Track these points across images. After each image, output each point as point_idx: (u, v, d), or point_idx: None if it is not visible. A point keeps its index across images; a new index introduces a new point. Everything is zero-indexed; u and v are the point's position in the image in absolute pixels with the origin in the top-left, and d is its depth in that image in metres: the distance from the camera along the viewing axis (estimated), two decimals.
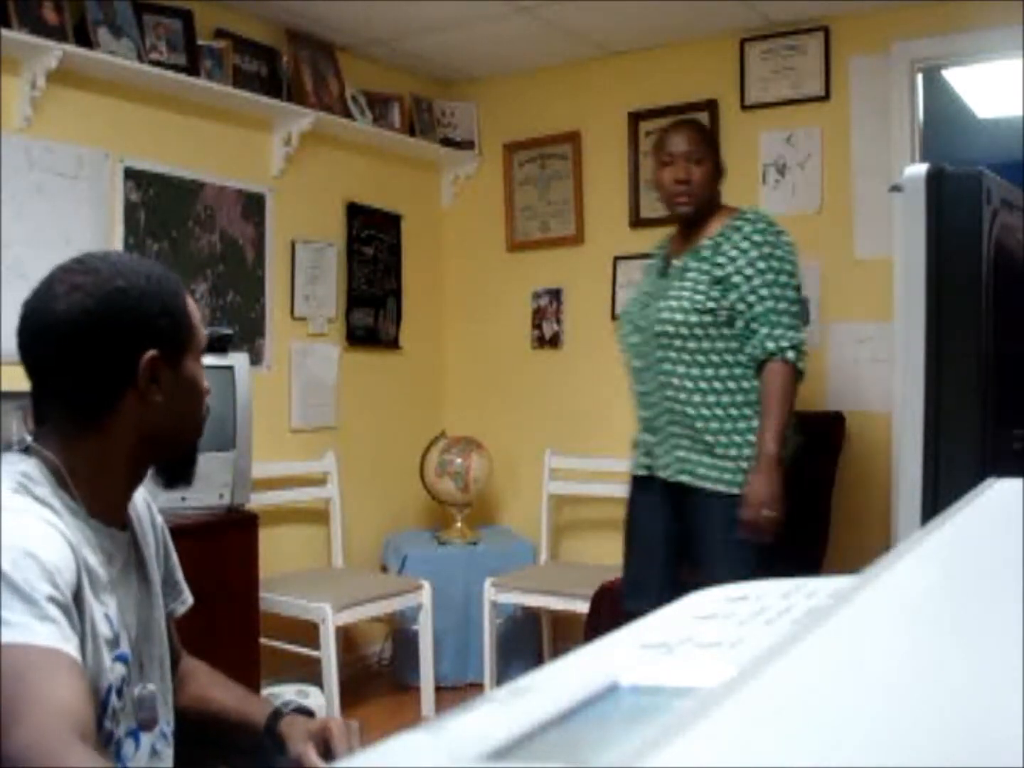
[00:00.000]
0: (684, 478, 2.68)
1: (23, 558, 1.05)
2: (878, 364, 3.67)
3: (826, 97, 3.80)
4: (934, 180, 1.05)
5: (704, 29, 3.91)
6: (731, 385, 2.66)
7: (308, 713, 1.43)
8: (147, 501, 1.40)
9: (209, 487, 2.94)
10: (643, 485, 2.84)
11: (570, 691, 0.38)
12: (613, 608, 3.30)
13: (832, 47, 3.78)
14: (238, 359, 3.19)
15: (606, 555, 4.09)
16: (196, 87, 3.47)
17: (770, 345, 2.61)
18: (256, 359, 3.71)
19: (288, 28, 3.86)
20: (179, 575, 1.45)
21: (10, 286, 2.98)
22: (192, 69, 3.47)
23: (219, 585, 2.87)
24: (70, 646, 1.04)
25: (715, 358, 2.67)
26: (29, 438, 1.22)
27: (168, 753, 1.29)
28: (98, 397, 1.21)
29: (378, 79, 4.27)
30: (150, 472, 1.31)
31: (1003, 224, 1.09)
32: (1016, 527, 0.50)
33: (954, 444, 1.02)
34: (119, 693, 1.17)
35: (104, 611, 1.17)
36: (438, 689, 3.67)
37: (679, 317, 2.67)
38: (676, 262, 2.78)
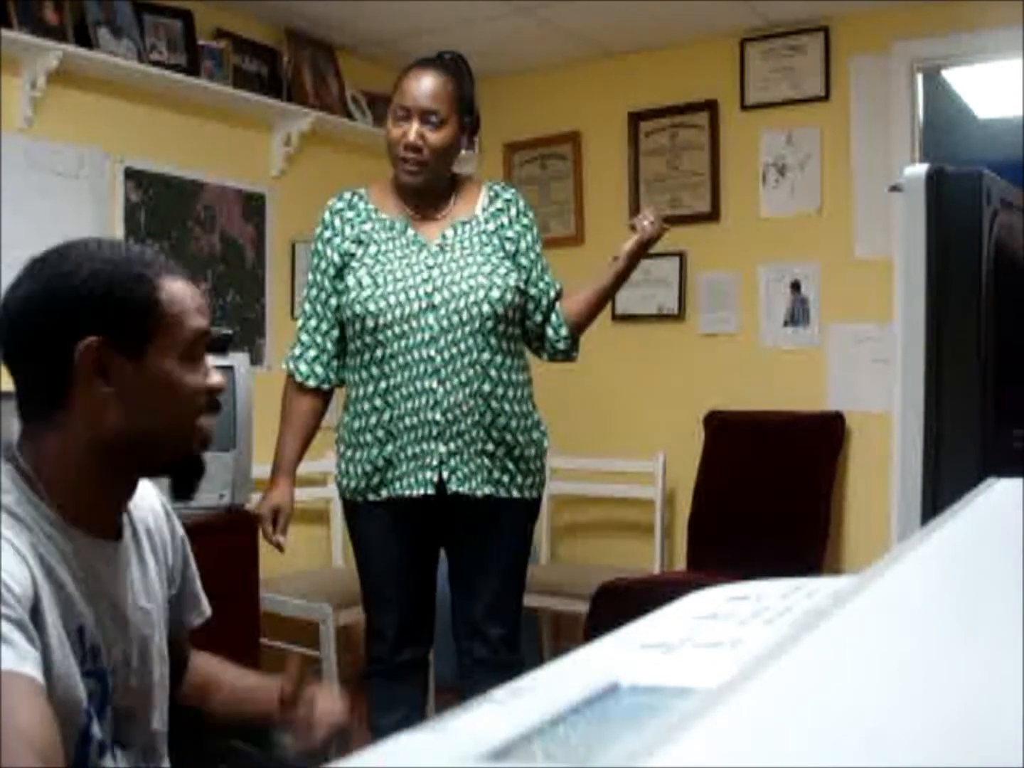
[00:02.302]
0: (488, 489, 2.23)
1: None
2: (878, 364, 3.67)
3: (826, 97, 3.80)
4: (934, 180, 1.05)
5: (704, 29, 3.91)
6: (524, 377, 2.32)
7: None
8: (166, 509, 1.33)
9: (209, 487, 2.92)
10: (422, 507, 2.26)
11: (570, 691, 0.38)
12: (613, 608, 3.30)
13: (832, 47, 3.78)
14: (238, 359, 3.19)
15: (606, 555, 4.10)
16: (196, 87, 3.48)
17: (566, 343, 2.38)
18: (256, 359, 3.71)
19: (288, 28, 3.86)
20: (197, 586, 1.42)
21: None
22: (192, 69, 3.47)
23: (219, 585, 2.85)
24: (27, 665, 0.98)
25: (515, 346, 2.30)
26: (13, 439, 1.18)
27: None
28: (46, 390, 1.12)
29: (378, 79, 4.27)
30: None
31: (1003, 224, 1.09)
32: (1016, 527, 0.50)
33: (954, 444, 1.02)
34: (89, 712, 1.10)
35: (79, 623, 1.10)
36: (438, 689, 3.67)
37: (509, 297, 2.24)
38: (448, 232, 2.29)
